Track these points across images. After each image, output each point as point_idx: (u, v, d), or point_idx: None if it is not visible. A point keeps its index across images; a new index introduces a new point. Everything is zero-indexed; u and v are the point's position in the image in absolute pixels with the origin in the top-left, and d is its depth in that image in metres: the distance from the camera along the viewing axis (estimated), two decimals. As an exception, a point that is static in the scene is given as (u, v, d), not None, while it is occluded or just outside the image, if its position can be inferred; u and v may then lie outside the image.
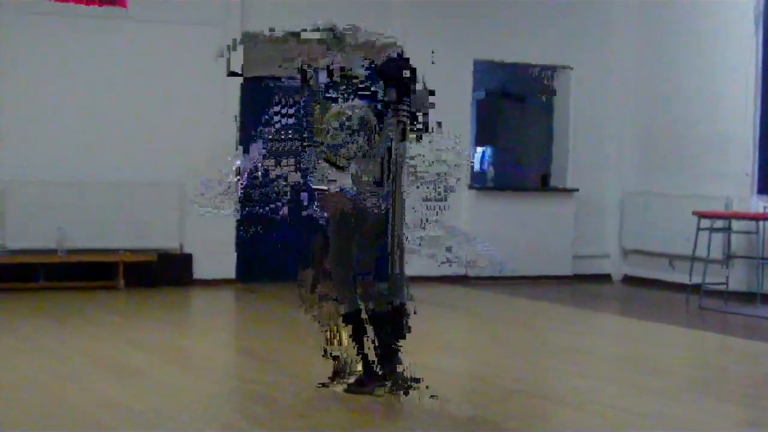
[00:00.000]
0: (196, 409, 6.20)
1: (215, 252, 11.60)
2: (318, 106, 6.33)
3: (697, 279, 11.10)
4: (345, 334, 6.55)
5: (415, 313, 6.39)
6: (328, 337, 6.57)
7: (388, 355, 6.41)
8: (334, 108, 6.29)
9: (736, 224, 11.34)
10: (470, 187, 12.74)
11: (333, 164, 6.22)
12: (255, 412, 6.14)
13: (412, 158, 6.36)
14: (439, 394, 6.32)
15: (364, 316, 6.47)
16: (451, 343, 8.86)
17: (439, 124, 6.37)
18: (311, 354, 7.84)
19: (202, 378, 7.08)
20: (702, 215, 11.21)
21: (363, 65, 6.35)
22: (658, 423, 6.12)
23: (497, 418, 6.12)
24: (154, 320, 9.48)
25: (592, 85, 13.29)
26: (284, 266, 12.23)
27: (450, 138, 6.40)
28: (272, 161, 6.32)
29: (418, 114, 6.35)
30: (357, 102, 6.31)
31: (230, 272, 11.74)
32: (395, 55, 6.38)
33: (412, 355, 6.63)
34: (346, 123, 6.21)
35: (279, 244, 12.20)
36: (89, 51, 11.21)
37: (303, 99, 6.35)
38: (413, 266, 6.83)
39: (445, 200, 6.42)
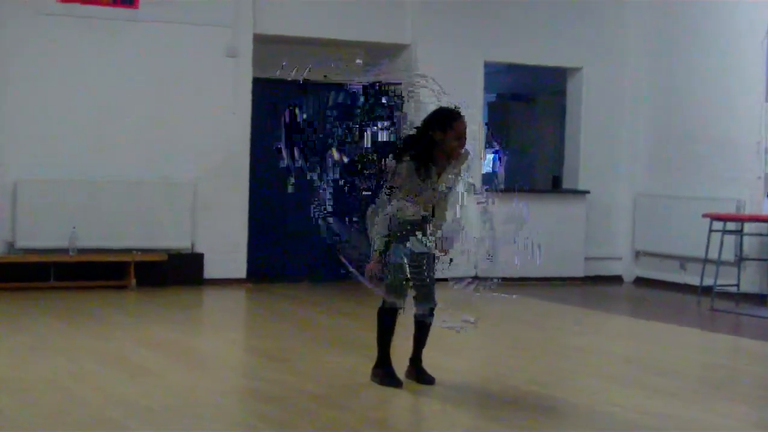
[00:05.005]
0: (207, 407, 6.21)
1: (226, 252, 11.62)
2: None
3: (708, 281, 11.08)
4: None
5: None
6: None
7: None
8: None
9: (747, 226, 11.31)
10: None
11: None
12: (266, 411, 6.14)
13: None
14: (451, 394, 6.30)
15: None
16: (462, 344, 8.84)
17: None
18: (322, 353, 7.87)
19: (213, 377, 7.09)
20: (713, 217, 11.18)
21: None
22: (669, 424, 6.12)
23: (509, 418, 6.11)
24: (164, 320, 9.49)
25: (603, 86, 13.24)
26: (294, 266, 12.35)
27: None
28: None
29: None
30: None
31: (241, 272, 11.75)
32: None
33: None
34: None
35: (288, 245, 12.29)
36: (102, 51, 11.23)
37: None
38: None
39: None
